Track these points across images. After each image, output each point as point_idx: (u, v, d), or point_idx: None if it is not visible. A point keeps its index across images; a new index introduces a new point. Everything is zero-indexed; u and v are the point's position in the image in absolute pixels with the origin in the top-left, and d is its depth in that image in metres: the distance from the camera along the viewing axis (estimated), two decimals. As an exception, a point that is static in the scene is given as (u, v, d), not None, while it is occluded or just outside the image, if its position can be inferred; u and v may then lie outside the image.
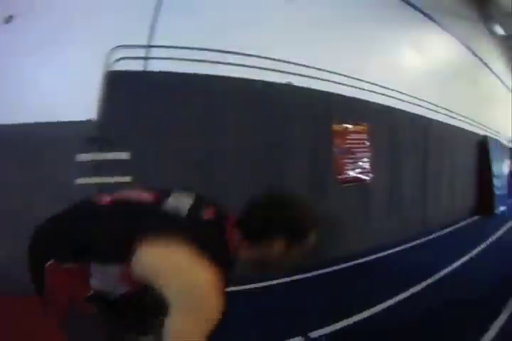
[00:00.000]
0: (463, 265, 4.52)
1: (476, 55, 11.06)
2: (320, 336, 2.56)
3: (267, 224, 1.14)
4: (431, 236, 6.08)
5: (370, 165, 4.87)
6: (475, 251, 5.17)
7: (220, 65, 3.65)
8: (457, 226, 7.16)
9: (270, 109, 3.86)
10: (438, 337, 2.64)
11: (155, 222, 1.10)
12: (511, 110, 14.73)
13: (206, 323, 0.95)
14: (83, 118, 3.23)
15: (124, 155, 3.24)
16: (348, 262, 4.31)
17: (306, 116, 4.16)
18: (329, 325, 2.70)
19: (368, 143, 4.82)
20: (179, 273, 0.97)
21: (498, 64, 14.33)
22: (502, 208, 9.30)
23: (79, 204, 1.26)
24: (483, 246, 5.47)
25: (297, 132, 4.09)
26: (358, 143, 4.69)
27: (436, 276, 4.00)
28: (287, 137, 4.00)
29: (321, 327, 2.66)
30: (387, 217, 5.28)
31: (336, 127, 4.42)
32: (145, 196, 1.21)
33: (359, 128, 4.68)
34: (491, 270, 4.30)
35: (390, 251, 4.94)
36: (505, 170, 11.17)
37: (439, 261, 4.52)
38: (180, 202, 1.16)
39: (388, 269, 4.26)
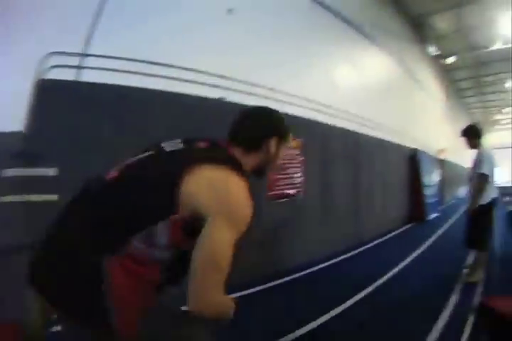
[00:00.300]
0: (400, 271, 4.72)
1: (408, 73, 11.68)
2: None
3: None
4: (367, 246, 6.30)
5: (303, 180, 4.90)
6: (412, 256, 5.45)
7: (155, 77, 3.55)
8: (392, 234, 7.53)
9: (203, 123, 3.69)
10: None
11: (191, 158, 1.15)
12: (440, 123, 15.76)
13: (237, 232, 1.07)
14: (11, 130, 2.97)
15: (51, 172, 3.06)
16: (284, 277, 4.28)
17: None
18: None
19: (300, 158, 4.83)
20: (225, 186, 1.08)
21: (429, 81, 15.31)
22: (434, 215, 10.02)
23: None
24: (418, 251, 5.80)
25: None
26: (291, 159, 4.68)
27: (375, 284, 4.11)
28: None
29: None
30: (321, 230, 5.35)
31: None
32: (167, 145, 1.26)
33: (293, 143, 4.66)
34: (427, 273, 4.58)
35: (327, 264, 5.02)
36: (436, 179, 11.95)
37: (377, 269, 4.68)
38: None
39: (326, 281, 4.31)
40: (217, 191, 1.07)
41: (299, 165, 4.80)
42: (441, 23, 13.96)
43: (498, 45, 15.04)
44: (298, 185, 4.82)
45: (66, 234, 1.12)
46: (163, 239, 1.08)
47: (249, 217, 1.11)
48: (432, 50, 14.36)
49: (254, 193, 3.63)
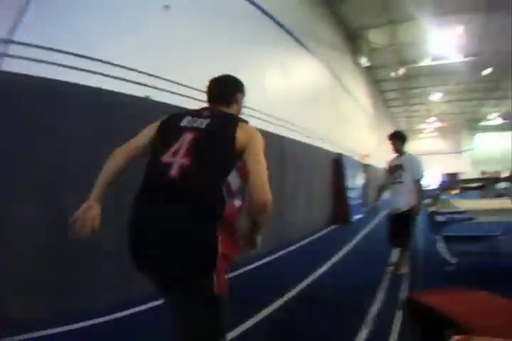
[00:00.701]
0: (325, 271, 4.90)
1: (339, 81, 12.14)
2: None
3: None
4: (292, 247, 6.51)
5: None
6: (337, 257, 5.68)
7: (79, 71, 3.43)
8: (317, 235, 7.84)
9: (127, 121, 3.56)
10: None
11: (229, 121, 1.68)
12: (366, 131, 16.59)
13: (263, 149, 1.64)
14: None
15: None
16: None
17: None
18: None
19: None
20: (257, 135, 1.65)
21: (358, 90, 16.09)
22: (357, 216, 10.55)
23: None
24: (343, 251, 6.07)
25: None
26: None
27: (301, 285, 4.19)
28: None
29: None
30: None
31: None
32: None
33: None
34: (353, 273, 4.80)
35: (250, 266, 5.05)
36: (360, 182, 12.63)
37: (302, 270, 4.81)
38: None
39: (250, 284, 4.24)
40: (252, 135, 1.63)
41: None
42: (376, 37, 14.72)
43: (426, 62, 16.18)
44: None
45: (173, 214, 1.45)
46: (235, 184, 1.54)
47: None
48: (364, 61, 15.08)
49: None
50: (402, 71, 17.39)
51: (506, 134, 33.89)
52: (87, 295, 3.42)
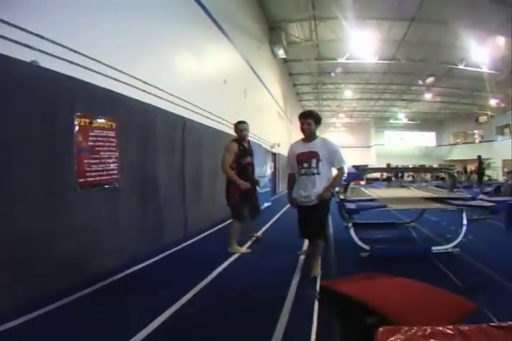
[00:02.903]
0: (233, 262, 4.57)
1: (253, 70, 12.02)
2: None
3: None
4: (197, 237, 6.10)
5: (119, 166, 4.33)
6: (244, 246, 5.33)
7: None
8: (224, 224, 7.35)
9: (8, 89, 2.98)
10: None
11: None
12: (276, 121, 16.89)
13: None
14: None
15: None
16: (99, 282, 3.66)
17: (45, 104, 3.34)
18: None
19: (116, 141, 4.25)
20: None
21: (272, 81, 16.21)
22: (267, 204, 10.55)
23: None
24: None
25: (32, 121, 3.21)
26: (104, 141, 4.06)
27: (209, 278, 3.87)
28: (15, 129, 3.06)
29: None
30: (142, 222, 4.91)
31: (78, 121, 3.67)
32: None
33: (106, 123, 4.08)
34: (263, 263, 4.51)
35: (151, 260, 4.56)
36: (269, 171, 12.72)
37: (208, 261, 4.47)
38: None
39: (151, 279, 3.90)
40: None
41: (114, 148, 4.24)
42: (296, 30, 14.92)
43: (341, 59, 16.76)
44: (113, 172, 4.25)
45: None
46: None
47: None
48: (281, 53, 15.16)
49: (57, 180, 2.90)
50: (338, 70, 18.07)
51: (410, 133, 37.95)
52: None
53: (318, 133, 4.10)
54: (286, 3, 12.71)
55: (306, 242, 4.86)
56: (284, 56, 15.93)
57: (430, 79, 19.46)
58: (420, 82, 20.25)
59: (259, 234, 6.06)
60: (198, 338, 2.58)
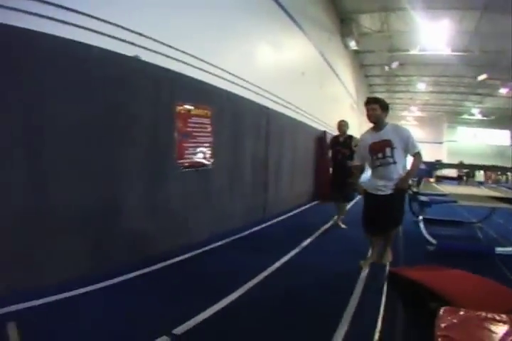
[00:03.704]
0: (309, 245, 4.89)
1: (327, 61, 12.10)
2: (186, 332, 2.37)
3: None
4: (273, 221, 6.52)
5: (212, 151, 4.84)
6: (320, 230, 5.75)
7: (63, 23, 3.07)
8: (299, 210, 7.91)
9: (109, 80, 3.44)
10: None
11: None
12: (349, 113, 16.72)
13: None
14: None
15: None
16: (189, 252, 4.17)
17: (149, 94, 3.85)
18: (188, 321, 2.50)
19: (210, 128, 4.76)
20: None
21: (345, 73, 16.10)
22: None
23: None
24: (326, 226, 6.09)
25: (138, 110, 3.73)
26: (201, 127, 4.59)
27: (285, 258, 4.19)
28: (126, 114, 3.61)
29: (181, 324, 2.45)
30: (229, 203, 5.44)
31: (178, 109, 4.19)
32: None
33: (202, 111, 4.58)
34: (336, 248, 4.78)
35: (234, 237, 5.06)
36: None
37: (287, 244, 4.79)
38: None
39: (234, 254, 4.30)
40: None
41: (209, 134, 4.76)
42: (367, 22, 14.67)
43: (414, 51, 16.25)
44: (207, 155, 4.79)
45: None
46: None
47: None
48: (353, 44, 15.01)
49: (161, 160, 3.36)
50: (395, 65, 17.45)
51: (484, 130, 35.30)
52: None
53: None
54: (356, -7, 12.58)
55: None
56: (356, 47, 15.72)
57: (482, 76, 18.12)
58: (478, 78, 18.79)
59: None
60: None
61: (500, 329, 1.58)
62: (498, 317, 1.67)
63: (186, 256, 4.08)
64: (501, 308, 1.83)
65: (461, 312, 1.70)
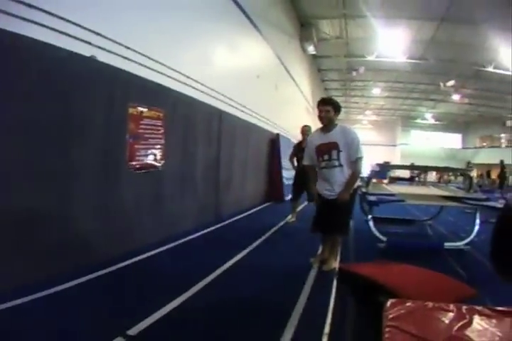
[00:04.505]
0: (259, 244, 4.98)
1: (284, 65, 12.24)
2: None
3: None
4: (226, 222, 6.52)
5: (163, 152, 4.80)
6: (270, 231, 5.83)
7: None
8: (252, 211, 8.02)
9: (71, 80, 3.37)
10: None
11: None
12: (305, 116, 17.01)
13: None
14: None
15: None
16: (142, 254, 4.13)
17: (103, 94, 3.78)
18: (142, 321, 2.48)
19: (162, 130, 4.71)
20: None
21: (302, 76, 16.32)
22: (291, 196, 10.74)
23: None
24: (275, 228, 6.18)
25: (91, 110, 3.64)
26: (152, 129, 4.53)
27: (235, 258, 4.20)
28: (79, 114, 3.50)
29: (135, 324, 2.43)
30: (181, 205, 5.38)
31: (131, 110, 4.13)
32: None
33: (155, 113, 4.54)
34: (286, 247, 4.95)
35: (185, 239, 5.02)
36: (295, 163, 12.85)
37: (238, 244, 4.81)
38: None
39: (186, 256, 4.30)
40: None
41: (160, 136, 4.72)
42: (326, 27, 14.99)
43: (371, 57, 16.79)
44: (159, 157, 4.73)
45: None
46: None
47: None
48: (311, 49, 15.29)
49: (112, 161, 3.27)
50: (362, 69, 18.07)
51: (436, 134, 37.25)
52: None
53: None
54: (317, 0, 12.85)
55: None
56: (314, 52, 16.01)
57: (451, 83, 19.12)
58: (442, 85, 19.83)
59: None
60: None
61: (446, 317, 1.64)
62: (444, 307, 1.73)
63: (137, 258, 4.02)
64: (448, 298, 1.92)
65: (408, 304, 1.76)
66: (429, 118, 32.99)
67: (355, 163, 3.67)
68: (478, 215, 5.22)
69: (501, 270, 1.87)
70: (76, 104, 3.49)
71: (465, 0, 11.27)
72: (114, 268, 3.64)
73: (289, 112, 13.82)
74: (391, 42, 14.35)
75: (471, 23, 12.52)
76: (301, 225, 5.96)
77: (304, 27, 14.71)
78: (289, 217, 6.95)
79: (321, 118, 3.69)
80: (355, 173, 3.71)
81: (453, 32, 13.74)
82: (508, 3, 10.84)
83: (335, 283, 3.32)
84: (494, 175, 25.69)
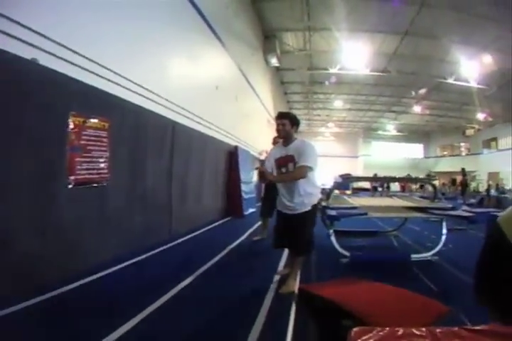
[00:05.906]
0: (217, 262, 4.68)
1: (245, 77, 12.15)
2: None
3: None
4: (180, 240, 6.12)
5: (109, 166, 4.42)
6: (227, 249, 5.48)
7: None
8: (209, 227, 7.64)
9: (9, 85, 3.05)
10: None
11: None
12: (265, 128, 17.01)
13: None
14: None
15: None
16: (87, 276, 3.76)
17: (42, 101, 3.42)
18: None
19: (107, 141, 4.35)
20: None
21: (264, 89, 16.33)
22: (251, 210, 10.47)
23: None
24: (233, 245, 5.85)
25: (28, 118, 3.28)
26: (96, 141, 4.15)
27: (193, 276, 3.99)
28: (14, 122, 3.15)
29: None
30: (129, 223, 4.97)
31: (73, 119, 3.76)
32: None
33: (99, 123, 4.18)
34: (243, 266, 4.61)
35: (132, 261, 4.57)
36: (255, 177, 12.70)
37: (190, 265, 4.48)
38: None
39: (132, 281, 3.86)
40: None
41: (105, 148, 4.34)
42: (290, 40, 15.13)
43: (333, 70, 17.03)
44: (103, 171, 4.35)
45: None
46: None
47: None
48: (274, 61, 15.35)
49: (49, 176, 2.89)
50: (333, 79, 18.34)
51: (398, 144, 38.48)
52: None
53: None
54: (282, 12, 12.93)
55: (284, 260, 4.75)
56: (277, 64, 16.13)
57: (422, 91, 19.86)
58: (413, 93, 20.59)
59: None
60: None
61: (420, 345, 1.48)
62: (416, 332, 1.56)
63: (82, 281, 3.67)
64: (420, 320, 1.78)
65: (375, 332, 1.58)
66: (391, 129, 34.02)
67: (299, 169, 3.50)
68: (444, 225, 5.17)
69: (493, 309, 1.70)
70: (10, 112, 3.13)
71: (428, 15, 11.63)
72: (54, 293, 3.31)
73: (250, 124, 13.69)
74: (354, 54, 14.62)
75: (433, 37, 12.96)
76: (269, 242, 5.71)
77: (268, 39, 14.80)
78: (263, 232, 6.37)
79: (278, 131, 3.69)
80: (293, 173, 3.57)
81: (416, 45, 14.21)
82: (468, 19, 11.30)
83: (294, 306, 3.10)
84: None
